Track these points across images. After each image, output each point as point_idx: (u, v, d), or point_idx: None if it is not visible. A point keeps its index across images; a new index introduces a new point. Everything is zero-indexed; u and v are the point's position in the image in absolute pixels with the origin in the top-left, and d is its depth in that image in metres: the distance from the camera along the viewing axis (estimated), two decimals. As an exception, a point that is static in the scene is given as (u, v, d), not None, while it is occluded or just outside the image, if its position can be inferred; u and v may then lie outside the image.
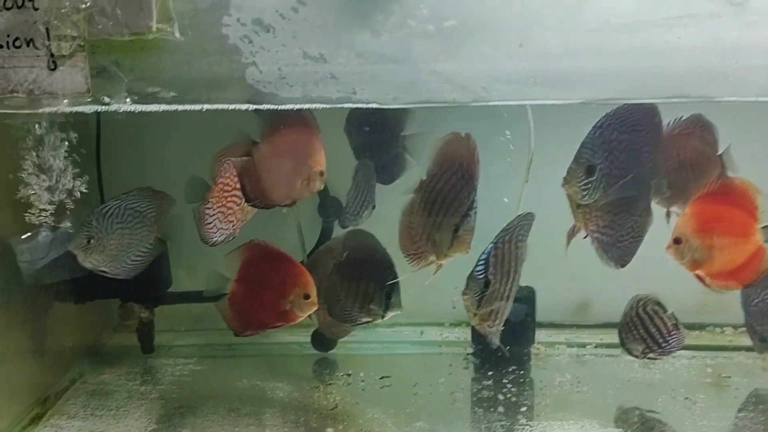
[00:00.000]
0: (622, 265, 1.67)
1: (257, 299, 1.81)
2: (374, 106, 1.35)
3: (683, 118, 1.76)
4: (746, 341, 2.01)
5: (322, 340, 2.20)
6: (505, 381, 2.06)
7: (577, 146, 1.60)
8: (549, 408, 1.92)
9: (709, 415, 1.86)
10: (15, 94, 1.29)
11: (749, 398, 1.96)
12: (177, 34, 1.28)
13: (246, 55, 1.30)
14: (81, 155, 1.86)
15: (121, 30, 1.25)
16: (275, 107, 1.34)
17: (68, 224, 1.89)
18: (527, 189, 2.00)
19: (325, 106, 1.33)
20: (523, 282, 1.72)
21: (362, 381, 2.08)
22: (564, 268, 1.81)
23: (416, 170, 1.75)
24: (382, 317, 1.82)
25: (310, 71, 1.31)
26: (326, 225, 2.16)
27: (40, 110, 1.33)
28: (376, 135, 1.93)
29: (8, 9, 1.24)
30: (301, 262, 1.88)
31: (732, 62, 1.31)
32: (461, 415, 1.92)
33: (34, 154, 1.77)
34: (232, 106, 1.34)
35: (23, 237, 1.87)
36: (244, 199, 1.74)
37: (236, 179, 1.72)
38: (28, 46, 1.26)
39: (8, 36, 1.26)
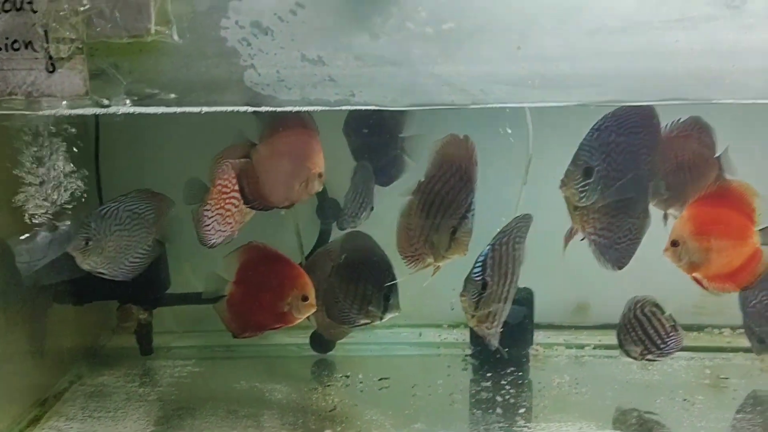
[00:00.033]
0: (620, 267, 1.67)
1: (256, 301, 1.81)
2: (373, 108, 1.35)
3: (681, 120, 1.76)
4: (744, 342, 2.02)
5: (321, 342, 2.20)
6: (503, 382, 2.06)
7: (576, 148, 1.61)
8: (547, 409, 1.92)
9: (707, 416, 1.86)
10: (13, 97, 1.29)
11: (747, 399, 1.96)
12: (175, 37, 1.28)
13: (244, 58, 1.30)
14: (80, 157, 1.87)
15: (120, 32, 1.25)
16: (274, 109, 1.34)
17: (66, 225, 1.89)
18: (525, 190, 2.00)
19: (323, 108, 1.34)
20: (522, 283, 1.72)
21: (361, 382, 2.08)
22: (562, 270, 1.82)
23: (415, 172, 1.75)
24: (381, 319, 1.82)
25: (309, 74, 1.31)
26: (324, 227, 2.16)
27: (39, 112, 1.33)
28: (375, 137, 1.93)
29: (7, 11, 1.24)
30: (300, 264, 1.88)
31: (729, 65, 1.31)
32: (460, 417, 1.92)
33: (33, 155, 1.78)
34: (230, 109, 1.34)
35: (22, 238, 1.87)
36: (242, 201, 1.74)
37: (235, 181, 1.72)
38: (26, 48, 1.26)
39: (7, 38, 1.26)
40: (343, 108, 1.34)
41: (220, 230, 1.75)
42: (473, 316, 1.63)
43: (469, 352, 2.23)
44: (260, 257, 1.81)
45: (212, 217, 1.73)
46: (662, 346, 1.83)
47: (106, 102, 1.32)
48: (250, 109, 1.35)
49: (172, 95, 1.34)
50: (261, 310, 1.81)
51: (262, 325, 1.83)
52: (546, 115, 1.79)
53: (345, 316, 1.86)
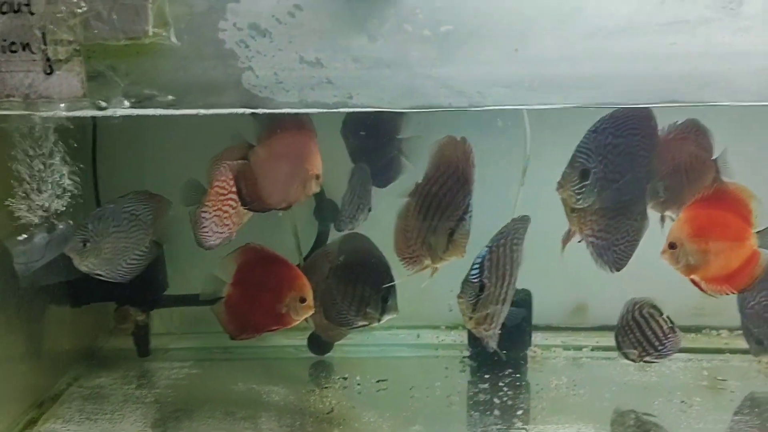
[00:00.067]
0: (618, 269, 1.67)
1: (253, 302, 1.81)
2: (370, 110, 1.35)
3: (678, 123, 1.77)
4: (742, 344, 2.02)
5: (319, 343, 2.20)
6: (501, 384, 2.06)
7: (573, 150, 1.61)
8: (545, 411, 1.92)
9: (704, 418, 1.87)
10: (11, 99, 1.29)
11: (745, 401, 1.97)
12: (173, 39, 1.27)
13: (242, 60, 1.30)
14: (77, 158, 1.87)
15: (117, 34, 1.25)
16: (271, 112, 1.34)
17: (64, 227, 1.89)
18: (523, 192, 2.01)
19: (321, 110, 1.33)
20: (520, 285, 1.72)
21: (358, 384, 2.08)
22: (560, 271, 1.82)
23: (413, 173, 1.75)
24: (379, 321, 1.82)
25: (307, 76, 1.31)
26: (322, 229, 2.16)
27: (36, 114, 1.33)
28: (372, 138, 1.93)
29: (4, 13, 1.24)
30: (298, 266, 1.88)
31: (726, 67, 1.31)
32: (457, 419, 1.92)
33: (30, 157, 1.78)
34: (228, 111, 1.34)
35: (19, 239, 1.87)
36: (240, 203, 1.74)
37: (232, 183, 1.72)
38: (24, 50, 1.26)
39: (4, 40, 1.25)
40: (341, 110, 1.34)
41: (217, 232, 1.75)
42: (471, 318, 1.63)
43: (467, 353, 2.23)
44: (258, 259, 1.81)
45: (210, 218, 1.73)
46: (660, 347, 1.83)
47: (103, 104, 1.32)
48: (248, 111, 1.34)
49: (170, 97, 1.34)
50: (259, 311, 1.80)
51: (260, 326, 1.82)
52: (544, 116, 1.80)
53: (343, 317, 1.86)
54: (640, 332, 1.84)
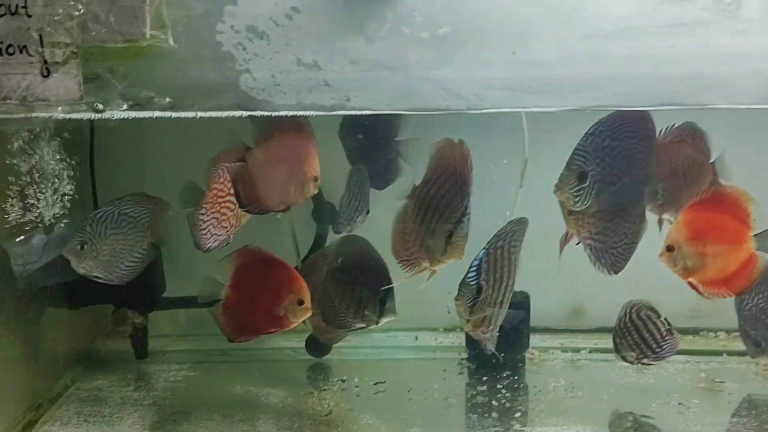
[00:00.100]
0: (615, 272, 1.67)
1: (251, 305, 1.80)
2: (368, 112, 1.35)
3: (675, 125, 1.77)
4: (740, 346, 2.02)
5: (317, 346, 2.20)
6: (499, 386, 2.06)
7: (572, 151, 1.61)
8: (543, 413, 1.92)
9: (702, 420, 1.87)
10: (8, 101, 1.29)
11: (742, 403, 1.97)
12: (171, 41, 1.27)
13: (240, 62, 1.30)
14: (74, 160, 1.87)
15: (115, 37, 1.25)
16: (269, 114, 1.34)
17: (62, 228, 1.89)
18: (522, 194, 2.01)
19: (319, 113, 1.33)
20: (518, 287, 1.72)
21: (356, 386, 2.08)
22: (558, 273, 1.81)
23: (411, 175, 1.75)
24: (377, 323, 1.82)
25: (304, 78, 1.31)
26: (320, 231, 2.16)
27: (34, 117, 1.33)
28: (370, 140, 1.93)
29: (1, 16, 1.24)
30: (295, 268, 1.88)
31: (724, 70, 1.32)
32: (456, 421, 1.92)
33: (28, 158, 1.78)
34: (225, 113, 1.34)
35: (17, 240, 1.87)
36: (238, 205, 1.74)
37: (230, 185, 1.72)
38: (21, 52, 1.26)
39: (1, 43, 1.25)
40: (339, 113, 1.34)
41: (215, 234, 1.75)
42: (468, 321, 1.63)
43: (465, 355, 2.23)
44: (256, 261, 1.81)
45: (208, 221, 1.72)
46: (658, 349, 1.83)
47: (100, 106, 1.32)
48: (246, 113, 1.34)
49: (168, 100, 1.34)
50: (257, 314, 1.80)
51: (258, 329, 1.82)
52: (542, 118, 1.80)
53: (341, 320, 1.86)
54: (638, 334, 1.84)
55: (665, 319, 1.83)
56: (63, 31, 1.24)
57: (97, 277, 1.82)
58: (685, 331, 2.22)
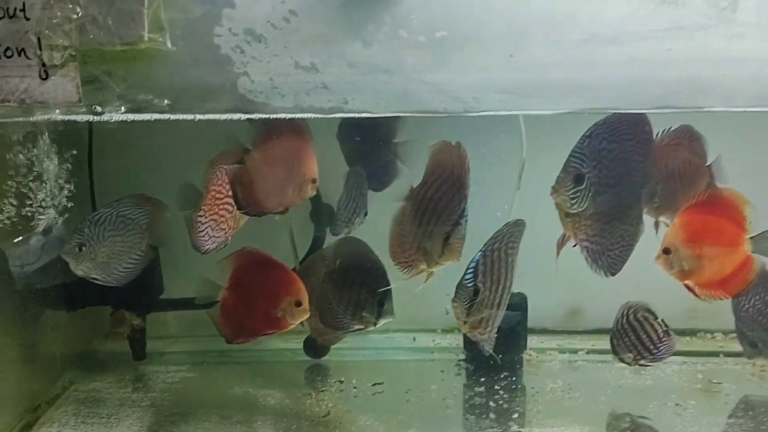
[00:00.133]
0: (612, 274, 1.67)
1: (249, 306, 1.80)
2: (366, 115, 1.35)
3: (672, 129, 1.77)
4: (736, 347, 2.03)
5: (315, 347, 2.20)
6: (497, 387, 2.06)
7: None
8: (541, 414, 1.92)
9: (699, 421, 1.87)
10: (6, 104, 1.29)
11: (739, 404, 1.97)
12: (169, 44, 1.28)
13: (238, 65, 1.30)
14: (72, 162, 1.87)
15: (113, 40, 1.25)
16: (267, 116, 1.34)
17: (60, 230, 1.89)
18: (519, 196, 2.01)
19: (316, 115, 1.34)
20: (515, 288, 1.72)
21: (354, 388, 2.08)
22: (556, 275, 1.82)
23: (409, 177, 1.76)
24: (375, 325, 1.82)
25: (302, 81, 1.32)
26: (318, 233, 2.16)
27: (32, 119, 1.33)
28: (368, 142, 1.93)
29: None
30: (293, 269, 1.88)
31: (720, 73, 1.32)
32: (453, 422, 1.92)
33: (25, 160, 1.78)
34: (223, 116, 1.34)
35: (15, 241, 1.87)
36: (236, 207, 1.74)
37: (228, 187, 1.72)
38: (19, 55, 1.26)
39: (-1, 45, 1.26)
40: (337, 115, 1.34)
41: (213, 236, 1.75)
42: (465, 322, 1.63)
43: (462, 357, 2.23)
44: (254, 262, 1.81)
45: (206, 222, 1.72)
46: (655, 351, 1.84)
47: (99, 109, 1.32)
48: (244, 116, 1.35)
49: (166, 102, 1.34)
50: (254, 315, 1.80)
51: (256, 330, 1.82)
52: (540, 120, 1.80)
53: (339, 321, 1.86)
54: (635, 336, 1.84)
55: (662, 320, 1.83)
56: (61, 34, 1.24)
57: (95, 278, 1.82)
58: (682, 333, 2.23)
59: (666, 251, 1.67)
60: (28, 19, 1.24)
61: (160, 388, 2.11)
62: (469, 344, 2.18)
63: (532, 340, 2.24)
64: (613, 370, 2.11)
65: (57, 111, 1.30)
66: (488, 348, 1.70)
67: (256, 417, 1.92)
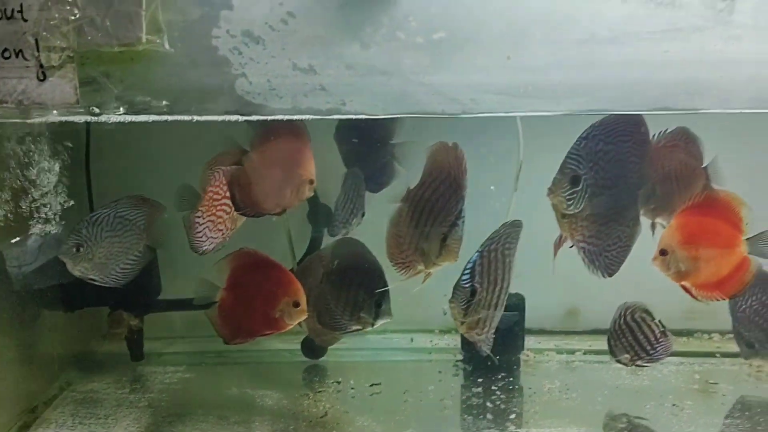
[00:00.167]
0: (609, 275, 1.68)
1: (247, 307, 1.81)
2: (363, 117, 1.36)
3: (668, 130, 1.78)
4: (733, 347, 2.04)
5: (312, 348, 2.20)
6: (494, 388, 2.07)
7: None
8: (538, 415, 1.93)
9: (696, 421, 1.88)
10: (4, 105, 1.29)
11: (736, 405, 1.98)
12: (166, 46, 1.28)
13: (236, 67, 1.30)
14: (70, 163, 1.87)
15: (111, 41, 1.25)
16: (265, 118, 1.34)
17: (57, 231, 1.89)
18: (517, 197, 2.02)
19: (314, 117, 1.34)
20: (512, 289, 1.73)
21: (352, 388, 2.09)
22: (553, 276, 1.82)
23: (407, 178, 1.76)
24: (372, 325, 1.82)
25: (300, 83, 1.32)
26: (316, 234, 2.16)
27: (29, 120, 1.33)
28: (366, 144, 1.94)
29: (-3, 20, 1.24)
30: (291, 270, 1.88)
31: (717, 75, 1.33)
32: (451, 422, 1.92)
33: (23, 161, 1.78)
34: (221, 118, 1.35)
35: (12, 242, 1.87)
36: (233, 208, 1.74)
37: (226, 188, 1.72)
38: (17, 56, 1.26)
39: (-3, 47, 1.26)
40: (335, 117, 1.34)
41: (211, 237, 1.75)
42: (463, 323, 1.63)
43: (460, 357, 2.24)
44: (251, 263, 1.81)
45: (203, 223, 1.73)
46: (652, 352, 1.84)
47: (96, 110, 1.32)
48: (242, 118, 1.35)
49: (164, 103, 1.34)
50: (252, 316, 1.80)
51: (254, 331, 1.82)
52: (538, 121, 1.80)
53: (336, 322, 1.86)
54: (633, 336, 1.85)
55: (659, 321, 1.84)
56: (59, 36, 1.24)
57: (92, 279, 1.82)
58: (679, 333, 2.23)
59: (663, 253, 1.67)
60: (25, 21, 1.24)
61: (157, 388, 2.11)
62: (467, 345, 2.18)
63: (530, 341, 2.24)
64: (610, 370, 2.12)
65: (55, 112, 1.30)
66: (486, 349, 1.70)
67: (253, 417, 1.92)
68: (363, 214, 1.92)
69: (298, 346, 2.21)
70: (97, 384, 2.14)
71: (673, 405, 1.96)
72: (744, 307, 1.92)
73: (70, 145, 1.84)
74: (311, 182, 1.76)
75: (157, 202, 1.90)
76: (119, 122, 1.37)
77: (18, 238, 1.87)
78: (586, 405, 1.97)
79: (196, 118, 1.35)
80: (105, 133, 1.94)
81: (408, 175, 1.83)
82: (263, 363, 2.25)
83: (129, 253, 1.87)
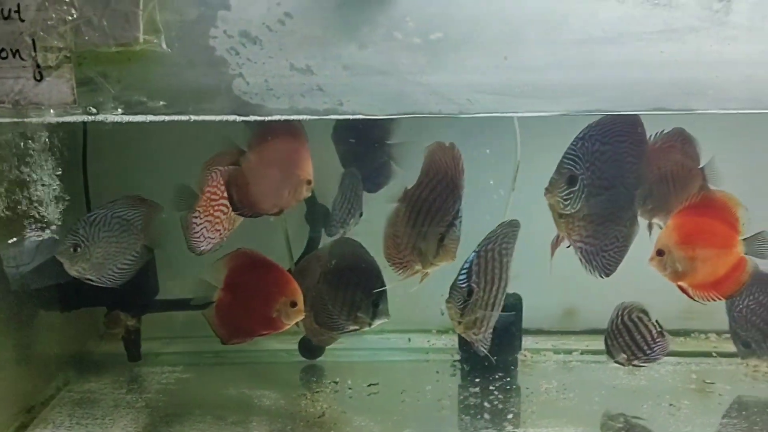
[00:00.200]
0: (607, 275, 1.68)
1: (244, 307, 1.80)
2: (361, 117, 1.36)
3: (665, 131, 1.78)
4: (730, 347, 2.05)
5: (310, 348, 2.20)
6: (491, 388, 2.07)
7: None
8: (535, 415, 1.93)
9: (693, 421, 1.88)
10: (1, 105, 1.29)
11: (733, 404, 1.98)
12: (164, 46, 1.28)
13: (233, 67, 1.31)
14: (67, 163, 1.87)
15: (108, 41, 1.25)
16: (262, 118, 1.34)
17: (54, 231, 1.89)
18: (514, 197, 2.02)
19: (312, 117, 1.34)
20: (510, 289, 1.73)
21: (350, 388, 2.09)
22: (550, 275, 1.82)
23: (404, 178, 1.76)
24: (370, 325, 1.82)
25: (297, 83, 1.32)
26: (313, 234, 2.16)
27: (26, 120, 1.33)
28: (363, 144, 1.94)
29: (-6, 20, 1.24)
30: (289, 270, 1.88)
31: (713, 75, 1.33)
32: (448, 422, 1.93)
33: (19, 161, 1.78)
34: (218, 118, 1.35)
35: (9, 242, 1.87)
36: (231, 208, 1.74)
37: (223, 188, 1.72)
38: (14, 56, 1.26)
39: (-6, 46, 1.26)
40: (332, 117, 1.34)
41: (208, 237, 1.75)
42: (460, 323, 1.64)
43: (457, 357, 2.24)
44: (249, 263, 1.81)
45: (201, 224, 1.73)
46: (649, 352, 1.85)
47: (94, 110, 1.32)
48: (239, 118, 1.35)
49: (161, 103, 1.34)
50: (250, 316, 1.80)
51: (251, 331, 1.82)
52: (535, 122, 1.80)
53: (334, 322, 1.86)
54: (630, 336, 1.85)
55: (656, 321, 1.84)
56: (56, 36, 1.25)
57: (89, 279, 1.81)
58: (676, 333, 2.23)
59: (660, 253, 1.68)
60: (22, 21, 1.24)
61: (155, 389, 2.11)
62: (464, 345, 2.18)
63: (527, 341, 2.24)
64: (607, 370, 2.12)
65: (52, 112, 1.30)
66: (483, 348, 1.70)
67: (251, 418, 1.92)
68: (360, 215, 1.93)
69: (296, 346, 2.21)
70: (94, 384, 2.14)
71: (670, 405, 1.96)
72: (741, 307, 1.93)
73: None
74: (309, 182, 1.76)
75: (154, 202, 1.90)
76: (116, 122, 1.37)
77: (15, 239, 1.87)
78: (583, 405, 1.98)
79: (193, 118, 1.35)
80: (102, 134, 1.94)
81: (405, 175, 1.84)
82: (261, 363, 2.25)
83: (126, 253, 1.87)
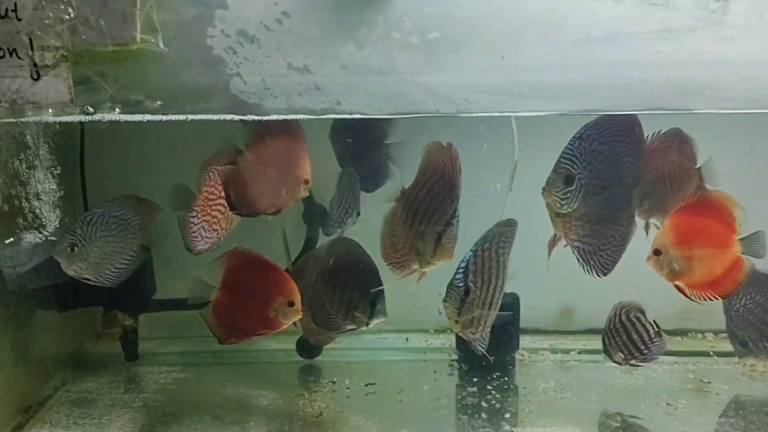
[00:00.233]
0: (604, 274, 1.68)
1: (242, 307, 1.80)
2: (358, 116, 1.36)
3: (662, 131, 1.79)
4: (727, 347, 2.05)
5: (307, 347, 2.20)
6: (489, 387, 2.07)
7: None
8: (533, 414, 1.93)
9: (690, 420, 1.88)
10: (-2, 104, 1.29)
11: (730, 404, 1.99)
12: (161, 45, 1.28)
13: (230, 66, 1.31)
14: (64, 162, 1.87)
15: (105, 41, 1.25)
16: (260, 118, 1.34)
17: (51, 231, 1.89)
18: (512, 197, 2.02)
19: (309, 117, 1.34)
20: (507, 288, 1.73)
21: (347, 388, 2.09)
22: (548, 275, 1.83)
23: (402, 178, 1.76)
24: (367, 325, 1.82)
25: (295, 82, 1.32)
26: (311, 233, 2.16)
27: (23, 120, 1.33)
28: (360, 143, 1.94)
29: (-9, 19, 1.24)
30: (286, 270, 1.88)
31: (710, 75, 1.33)
32: (446, 422, 1.93)
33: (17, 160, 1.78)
34: (216, 117, 1.35)
35: (7, 242, 1.87)
36: (228, 208, 1.74)
37: (221, 187, 1.72)
38: (11, 56, 1.26)
39: (-9, 46, 1.25)
40: (329, 116, 1.34)
41: (206, 237, 1.75)
42: (457, 322, 1.64)
43: (455, 357, 2.24)
44: (246, 263, 1.81)
45: (198, 223, 1.73)
46: (646, 351, 1.85)
47: (91, 109, 1.32)
48: (236, 117, 1.35)
49: (158, 103, 1.34)
50: (247, 315, 1.80)
51: (248, 330, 1.82)
52: (532, 122, 1.81)
53: (331, 321, 1.86)
54: (627, 336, 1.85)
55: (654, 321, 1.84)
56: (53, 35, 1.24)
57: (87, 279, 1.81)
58: (673, 332, 2.24)
59: (656, 253, 1.68)
60: (19, 20, 1.24)
61: (152, 389, 2.11)
62: (462, 344, 2.19)
63: (525, 340, 2.25)
64: (604, 369, 2.12)
65: (49, 111, 1.30)
66: (480, 348, 1.70)
67: (248, 417, 1.92)
68: (358, 214, 1.92)
69: (293, 346, 2.21)
70: (91, 384, 2.13)
71: (668, 404, 1.96)
72: (738, 306, 1.93)
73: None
74: (306, 182, 1.76)
75: (152, 201, 1.90)
76: (114, 122, 1.36)
77: (12, 239, 1.87)
78: (580, 404, 1.98)
79: (190, 117, 1.35)
80: (99, 133, 1.94)
81: (403, 174, 1.84)
82: (258, 363, 2.25)
83: (124, 252, 1.87)
